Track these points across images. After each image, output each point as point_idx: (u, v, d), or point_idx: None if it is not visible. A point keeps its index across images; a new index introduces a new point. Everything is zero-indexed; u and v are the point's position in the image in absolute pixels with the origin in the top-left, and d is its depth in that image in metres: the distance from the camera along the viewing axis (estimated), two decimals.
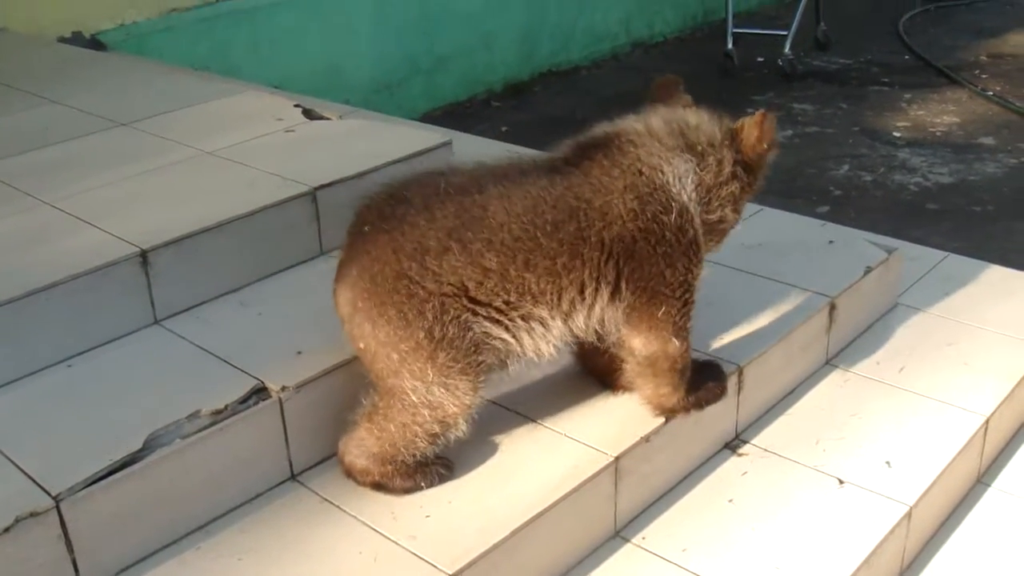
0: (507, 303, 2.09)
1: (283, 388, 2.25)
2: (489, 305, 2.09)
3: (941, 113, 6.63)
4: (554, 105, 6.91)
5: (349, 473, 2.24)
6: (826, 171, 5.75)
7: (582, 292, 2.14)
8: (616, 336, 2.27)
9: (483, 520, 2.13)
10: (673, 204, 2.18)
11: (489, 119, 6.62)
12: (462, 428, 2.17)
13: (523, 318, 2.12)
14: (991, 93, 6.97)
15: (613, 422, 2.40)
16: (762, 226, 3.30)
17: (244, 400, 2.24)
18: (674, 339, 2.26)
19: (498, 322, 2.11)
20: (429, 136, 3.14)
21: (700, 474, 2.53)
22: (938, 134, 6.27)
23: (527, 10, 7.17)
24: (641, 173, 2.18)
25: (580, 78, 7.50)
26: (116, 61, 4.35)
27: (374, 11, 6.33)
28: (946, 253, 3.63)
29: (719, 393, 2.51)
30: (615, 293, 2.18)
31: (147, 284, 2.52)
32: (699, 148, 2.25)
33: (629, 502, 2.37)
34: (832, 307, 2.88)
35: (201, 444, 2.14)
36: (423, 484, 2.22)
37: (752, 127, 2.29)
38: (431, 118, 6.51)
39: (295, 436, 2.29)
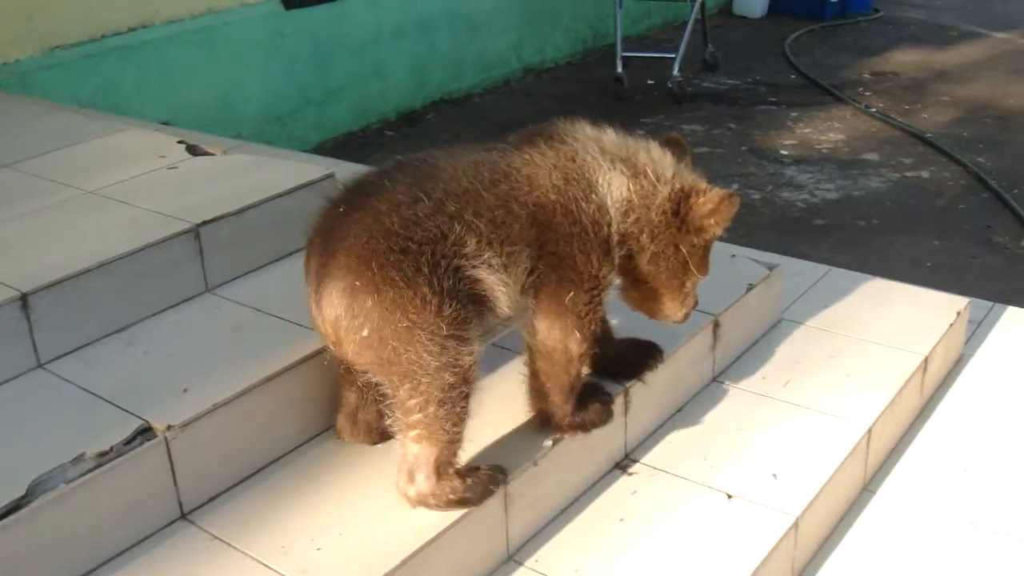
0: (475, 246, 2.15)
1: (168, 427, 2.24)
2: (464, 247, 2.14)
3: (827, 130, 6.81)
4: (447, 132, 6.95)
5: (423, 503, 2.22)
6: None
7: (513, 246, 2.21)
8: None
9: (375, 549, 2.14)
10: (594, 197, 2.27)
11: (382, 148, 6.63)
12: (476, 381, 2.18)
13: (488, 265, 2.18)
14: (874, 110, 7.19)
15: (500, 446, 2.43)
16: None
17: (129, 441, 2.21)
18: (576, 333, 2.31)
19: (476, 265, 2.16)
20: (312, 169, 3.14)
21: (591, 495, 2.56)
22: (824, 151, 6.44)
23: (419, 39, 7.21)
24: (573, 160, 2.29)
25: (473, 105, 7.55)
26: None
27: (265, 43, 6.32)
28: (828, 267, 3.73)
29: (605, 416, 2.55)
30: (533, 260, 2.25)
31: (28, 327, 2.48)
32: (637, 168, 2.34)
33: (521, 525, 2.39)
34: (716, 325, 2.94)
35: (86, 487, 2.11)
36: (493, 488, 2.27)
37: (711, 199, 2.35)
38: (324, 149, 6.52)
39: (183, 475, 2.27)
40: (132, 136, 3.57)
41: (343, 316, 2.13)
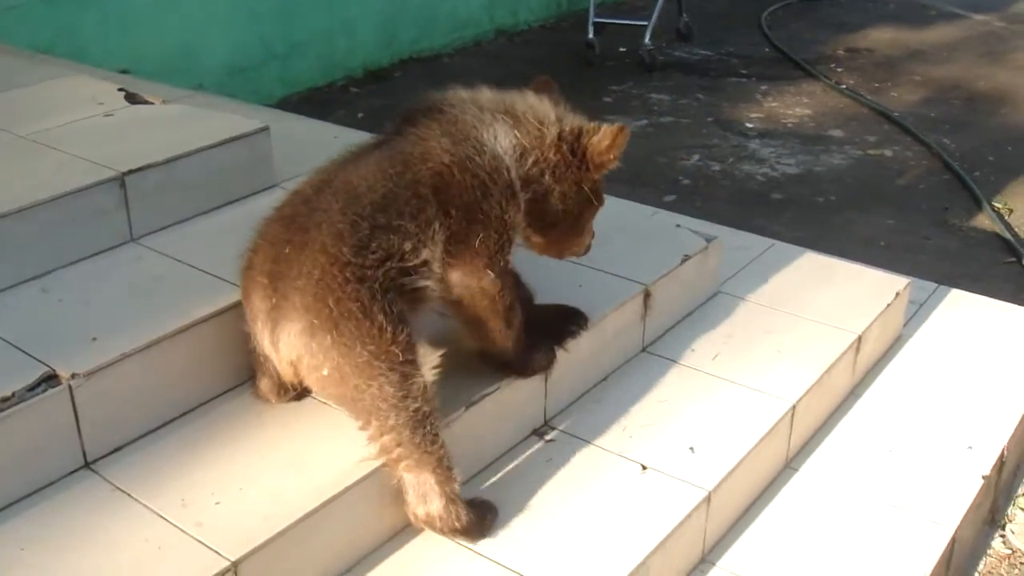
0: (411, 252, 2.18)
1: (73, 375, 2.21)
2: (403, 256, 2.16)
3: (795, 105, 6.78)
4: (414, 91, 6.82)
5: (430, 525, 2.25)
6: (677, 160, 5.83)
7: (430, 225, 2.23)
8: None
9: (273, 506, 2.12)
10: (485, 149, 2.31)
11: (347, 105, 6.57)
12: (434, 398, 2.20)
13: (425, 264, 2.21)
14: (844, 87, 7.15)
15: None
16: None
17: (33, 388, 2.18)
18: (488, 272, 2.32)
19: (414, 275, 2.20)
20: (246, 122, 3.10)
21: (506, 460, 2.55)
22: (789, 125, 6.41)
23: None
24: (455, 124, 2.32)
25: (442, 65, 7.48)
26: None
27: None
28: (772, 241, 3.71)
29: (547, 361, 2.60)
30: (447, 230, 2.27)
31: None
32: (517, 116, 2.38)
33: None
34: (647, 294, 2.93)
35: None
36: (488, 525, 2.32)
37: (606, 135, 2.42)
38: (288, 103, 6.45)
39: (88, 424, 2.24)
40: (73, 82, 3.51)
41: (304, 355, 2.15)
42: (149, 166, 2.80)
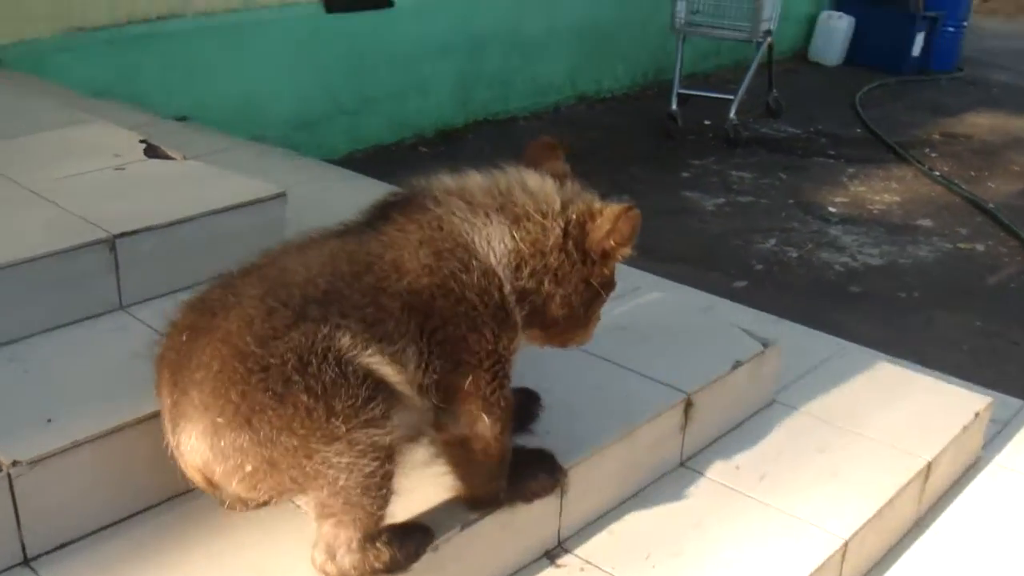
0: (349, 344, 1.85)
1: (14, 463, 1.95)
2: (336, 343, 1.84)
3: (882, 191, 6.42)
4: (484, 154, 6.63)
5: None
6: (752, 244, 5.50)
7: (392, 346, 1.90)
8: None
9: None
10: (475, 264, 1.98)
11: (413, 164, 6.33)
12: (401, 455, 1.93)
13: (375, 356, 1.88)
14: (937, 173, 6.78)
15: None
16: (637, 304, 3.04)
17: None
18: (484, 416, 2.02)
19: (358, 359, 1.86)
20: (262, 187, 2.84)
21: None
22: (875, 212, 6.05)
23: (466, 56, 6.94)
24: (440, 228, 1.98)
25: (516, 128, 7.25)
26: None
27: (300, 45, 6.08)
28: (841, 344, 3.38)
29: (550, 486, 2.26)
30: (421, 353, 1.94)
31: None
32: (516, 211, 2.03)
33: None
34: (688, 404, 2.60)
35: None
36: (420, 552, 2.03)
37: (605, 220, 2.05)
38: (352, 160, 6.27)
39: (29, 516, 1.99)
40: (96, 130, 3.31)
41: (212, 460, 1.85)
42: (144, 229, 2.56)
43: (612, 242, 2.05)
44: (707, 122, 7.49)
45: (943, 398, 3.04)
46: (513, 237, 2.01)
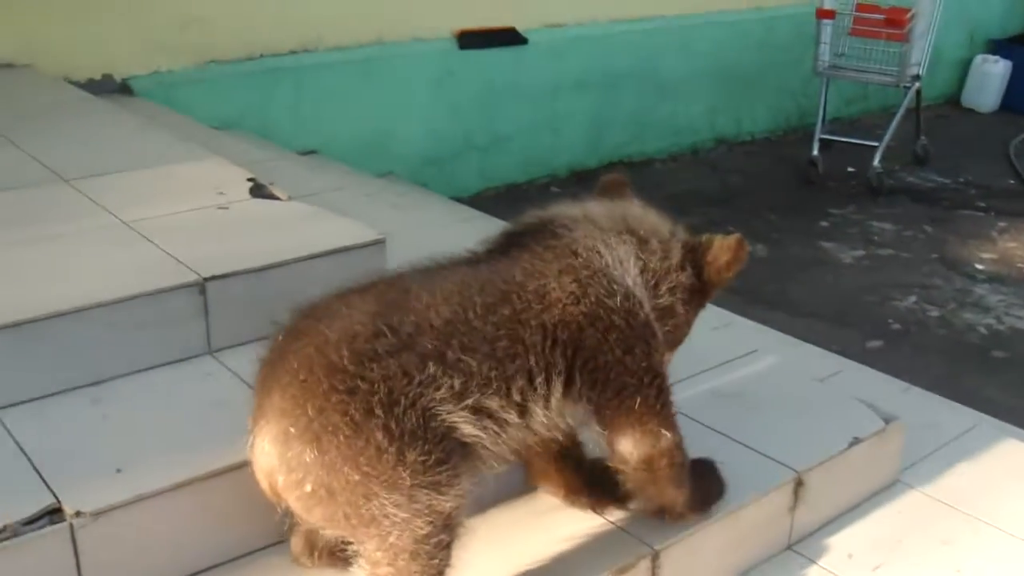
0: (453, 390, 1.79)
1: (78, 513, 1.89)
2: (437, 390, 1.78)
3: None
4: None
5: None
6: (889, 300, 5.22)
7: (531, 381, 1.89)
8: (598, 440, 2.06)
9: None
10: (616, 287, 1.98)
11: (544, 204, 6.23)
12: (464, 523, 1.86)
13: (474, 410, 1.82)
14: None
15: None
16: (755, 369, 2.86)
17: (31, 521, 1.88)
18: (664, 431, 2.03)
19: (450, 414, 1.80)
20: (361, 232, 2.75)
21: None
22: None
23: (601, 95, 6.78)
24: (576, 255, 1.98)
25: (652, 171, 7.07)
26: (112, 108, 4.08)
27: (432, 81, 6.03)
28: (980, 417, 3.14)
29: (721, 489, 2.30)
30: (569, 384, 1.94)
31: None
32: (641, 232, 2.08)
33: None
34: (799, 483, 2.41)
35: None
36: None
37: (725, 250, 2.14)
38: (483, 199, 6.19)
39: (91, 570, 1.92)
40: (207, 166, 3.27)
41: (278, 468, 1.78)
42: (235, 273, 2.49)
43: (731, 271, 2.14)
44: (850, 169, 7.19)
45: None
46: (640, 258, 2.04)
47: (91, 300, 2.32)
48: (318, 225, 2.82)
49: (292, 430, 1.74)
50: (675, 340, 2.19)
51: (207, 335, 2.47)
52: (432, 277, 1.92)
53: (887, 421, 2.64)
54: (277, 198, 3.01)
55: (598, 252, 1.99)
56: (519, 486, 2.31)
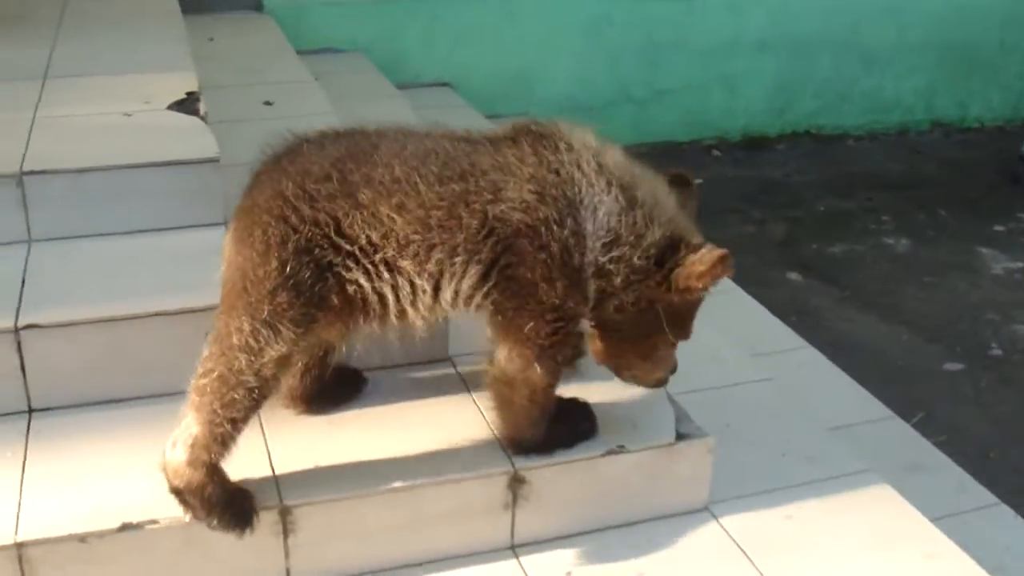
0: (371, 243, 1.99)
1: None
2: (354, 242, 1.99)
3: None
4: (787, 172, 6.08)
5: (164, 472, 2.04)
6: (1011, 322, 4.56)
7: (452, 257, 2.01)
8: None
9: None
10: (570, 222, 2.03)
11: (702, 168, 5.90)
12: (273, 385, 2.04)
13: (387, 266, 2.01)
14: None
15: None
16: None
17: None
18: (536, 365, 2.10)
19: (359, 263, 2.00)
20: (197, 147, 2.80)
21: None
22: None
23: (788, 59, 6.34)
24: (556, 173, 2.05)
25: (843, 148, 6.54)
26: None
27: (586, 28, 5.85)
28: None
29: (588, 431, 2.32)
30: (485, 277, 2.04)
31: None
32: (635, 199, 2.07)
33: None
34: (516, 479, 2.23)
35: None
36: (230, 525, 2.05)
37: (702, 260, 2.07)
38: (637, 154, 5.95)
39: None
40: (175, 77, 3.34)
41: (224, 253, 2.07)
42: (55, 171, 2.64)
43: (700, 283, 2.07)
44: None
45: None
46: (619, 219, 2.04)
47: None
48: (180, 139, 2.88)
49: (233, 224, 2.03)
50: (618, 329, 2.18)
51: (27, 226, 2.63)
52: (409, 140, 2.06)
53: (683, 437, 2.37)
54: (197, 114, 3.06)
55: (579, 186, 2.03)
56: None
